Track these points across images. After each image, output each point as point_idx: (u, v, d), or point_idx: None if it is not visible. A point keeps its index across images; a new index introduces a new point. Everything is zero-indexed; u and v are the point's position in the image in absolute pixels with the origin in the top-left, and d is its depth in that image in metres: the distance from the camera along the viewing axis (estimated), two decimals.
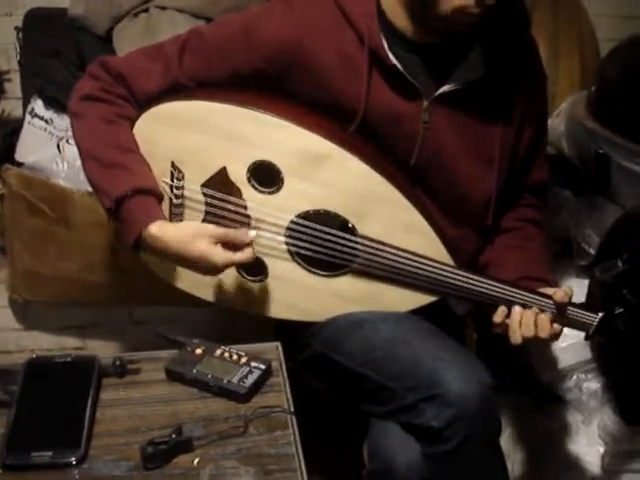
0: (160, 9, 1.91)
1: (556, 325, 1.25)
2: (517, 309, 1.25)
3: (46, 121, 1.89)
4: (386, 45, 1.27)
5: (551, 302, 1.25)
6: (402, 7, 1.27)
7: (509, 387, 1.85)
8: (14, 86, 2.09)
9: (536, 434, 1.82)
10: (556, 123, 1.97)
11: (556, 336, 1.27)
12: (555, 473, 1.75)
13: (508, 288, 1.27)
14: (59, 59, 1.93)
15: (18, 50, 2.02)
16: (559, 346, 1.78)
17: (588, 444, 1.76)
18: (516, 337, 1.25)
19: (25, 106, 1.96)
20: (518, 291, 1.26)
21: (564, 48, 2.11)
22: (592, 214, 1.82)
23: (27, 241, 1.93)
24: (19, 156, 1.93)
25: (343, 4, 1.28)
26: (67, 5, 1.98)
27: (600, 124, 1.81)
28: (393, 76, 1.28)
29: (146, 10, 1.92)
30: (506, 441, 1.81)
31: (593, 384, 1.78)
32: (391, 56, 1.27)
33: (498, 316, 1.27)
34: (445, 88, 1.29)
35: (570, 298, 1.25)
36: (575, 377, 1.79)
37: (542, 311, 1.25)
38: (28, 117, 1.91)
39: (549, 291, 1.27)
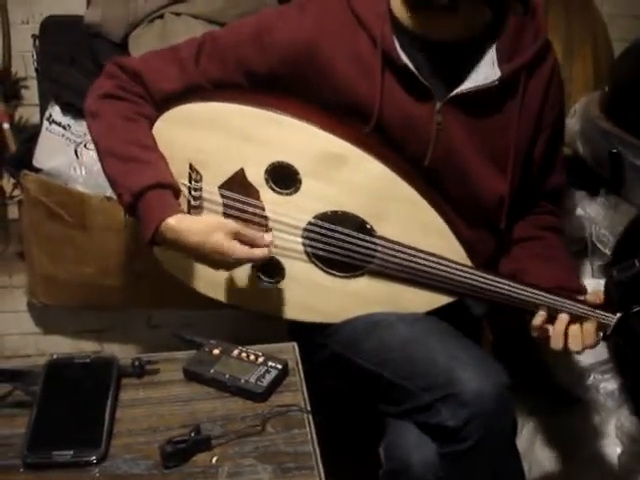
0: (175, 15, 1.93)
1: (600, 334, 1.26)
2: (564, 317, 1.25)
3: (64, 127, 1.91)
4: (398, 46, 1.27)
5: (569, 302, 1.25)
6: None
7: (526, 388, 1.85)
8: (31, 93, 2.11)
9: (553, 435, 1.82)
10: (570, 123, 1.96)
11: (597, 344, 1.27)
12: (572, 473, 1.74)
13: (524, 288, 1.27)
14: (75, 66, 1.95)
15: (35, 57, 2.04)
16: None
17: (605, 444, 1.75)
18: (558, 343, 1.26)
19: (42, 112, 1.98)
20: (534, 291, 1.27)
21: (578, 48, 2.11)
22: (607, 214, 1.82)
23: (45, 246, 1.95)
24: (37, 162, 1.95)
25: (356, 7, 1.29)
26: (83, 12, 2.00)
27: (614, 124, 1.81)
28: (406, 77, 1.28)
29: (161, 16, 1.94)
30: (523, 442, 1.81)
31: (610, 384, 1.78)
32: (403, 57, 1.27)
33: (538, 319, 1.27)
34: (459, 90, 1.29)
35: (602, 300, 1.26)
36: (592, 378, 1.79)
37: (570, 314, 1.25)
38: (46, 123, 1.94)
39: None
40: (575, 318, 1.25)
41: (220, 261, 1.25)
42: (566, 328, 1.25)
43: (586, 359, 1.78)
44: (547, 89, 1.35)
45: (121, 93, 1.33)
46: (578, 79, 2.11)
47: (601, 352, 1.77)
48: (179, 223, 1.24)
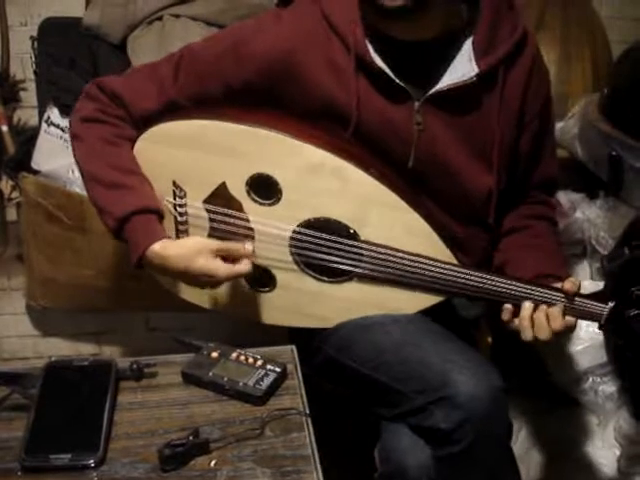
0: (174, 17, 1.93)
1: (568, 317, 1.24)
2: (527, 304, 1.24)
3: (62, 129, 1.91)
4: (372, 50, 1.26)
5: (560, 294, 1.24)
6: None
7: (524, 390, 1.85)
8: (30, 95, 2.10)
9: (552, 437, 1.82)
10: (569, 126, 1.97)
11: (571, 328, 1.25)
12: (571, 476, 1.74)
13: (513, 283, 1.26)
14: (74, 68, 1.95)
15: (33, 59, 2.03)
16: (574, 349, 1.78)
17: (604, 447, 1.76)
18: (527, 334, 1.24)
19: (41, 115, 1.98)
20: (524, 285, 1.25)
21: (575, 50, 2.11)
22: (606, 216, 1.82)
23: (44, 248, 1.95)
24: (35, 164, 1.95)
25: (328, 14, 1.28)
26: (82, 14, 2.00)
27: (613, 126, 1.81)
28: (382, 80, 1.27)
29: (160, 18, 1.94)
30: (521, 444, 1.81)
31: (609, 387, 1.78)
32: (377, 60, 1.26)
33: (505, 314, 1.26)
34: (436, 89, 1.27)
35: (579, 287, 1.24)
36: (591, 380, 1.79)
37: (552, 305, 1.24)
38: (44, 125, 1.93)
39: (558, 285, 1.26)
40: (546, 305, 1.24)
41: (207, 282, 1.27)
42: (532, 315, 1.24)
43: (585, 361, 1.79)
44: (528, 80, 1.34)
45: (101, 116, 1.33)
46: (576, 81, 2.11)
47: (600, 354, 1.78)
48: (164, 249, 1.25)
